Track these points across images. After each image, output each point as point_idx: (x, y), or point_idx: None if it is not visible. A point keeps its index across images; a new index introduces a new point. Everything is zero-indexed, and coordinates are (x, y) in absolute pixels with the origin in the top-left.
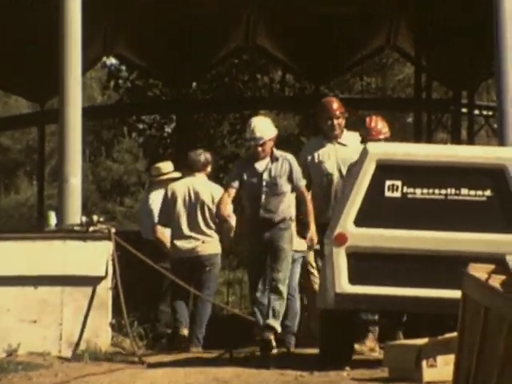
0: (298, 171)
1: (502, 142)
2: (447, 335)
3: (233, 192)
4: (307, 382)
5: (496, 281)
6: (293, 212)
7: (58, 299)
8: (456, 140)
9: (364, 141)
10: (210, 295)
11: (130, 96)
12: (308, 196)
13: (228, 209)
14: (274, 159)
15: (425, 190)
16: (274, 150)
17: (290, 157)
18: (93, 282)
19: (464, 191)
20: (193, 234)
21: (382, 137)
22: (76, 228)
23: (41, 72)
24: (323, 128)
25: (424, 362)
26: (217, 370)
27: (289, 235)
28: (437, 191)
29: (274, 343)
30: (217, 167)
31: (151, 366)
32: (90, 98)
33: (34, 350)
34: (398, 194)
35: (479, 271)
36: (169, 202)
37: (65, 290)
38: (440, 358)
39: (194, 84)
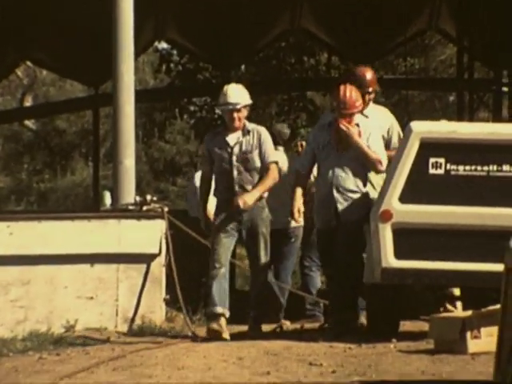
0: (269, 145)
1: None
2: (490, 307)
3: (210, 173)
4: (355, 354)
5: None
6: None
7: (114, 276)
8: (497, 118)
9: (335, 113)
10: (291, 268)
11: (181, 79)
12: (274, 174)
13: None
14: (245, 132)
15: (467, 167)
16: (247, 122)
17: (263, 130)
18: (147, 259)
19: (506, 168)
20: (278, 206)
21: (355, 110)
22: (130, 207)
23: (95, 56)
24: None
25: (468, 334)
26: (268, 343)
27: (265, 215)
28: (479, 168)
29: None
30: None
31: (204, 340)
32: (142, 81)
33: (91, 326)
34: (441, 171)
35: None
36: None
37: (120, 267)
38: (484, 330)
39: (243, 67)
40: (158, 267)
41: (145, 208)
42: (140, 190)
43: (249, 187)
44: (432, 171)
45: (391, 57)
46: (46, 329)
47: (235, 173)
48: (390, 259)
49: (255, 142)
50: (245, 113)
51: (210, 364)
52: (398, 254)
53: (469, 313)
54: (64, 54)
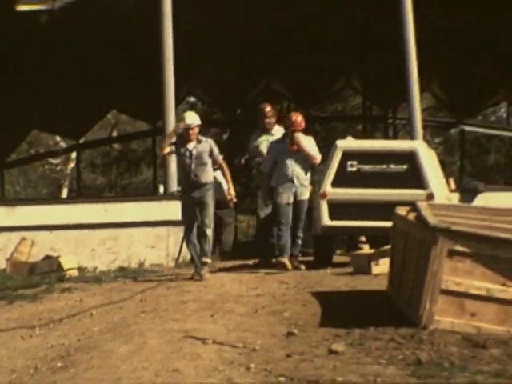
0: (215, 149)
1: (412, 138)
2: (385, 247)
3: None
4: (308, 276)
5: (411, 216)
6: (212, 178)
7: (166, 234)
8: (386, 137)
9: (287, 129)
10: None
11: (202, 119)
12: (226, 167)
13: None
14: (199, 141)
15: (370, 166)
16: (199, 135)
17: (211, 140)
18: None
19: (392, 166)
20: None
21: (300, 128)
22: (174, 194)
23: (152, 105)
24: (260, 124)
25: (372, 263)
26: (257, 271)
27: (211, 193)
28: (376, 166)
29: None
30: None
31: (221, 270)
32: (178, 120)
33: (153, 263)
34: (355, 169)
35: (402, 210)
36: None
37: (169, 228)
38: (382, 260)
39: (239, 110)
40: None
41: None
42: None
43: (201, 175)
44: (349, 169)
45: (325, 103)
46: (127, 265)
47: (193, 166)
48: (326, 220)
49: (206, 147)
50: (197, 130)
51: (223, 283)
52: (331, 217)
53: (372, 250)
54: (134, 105)
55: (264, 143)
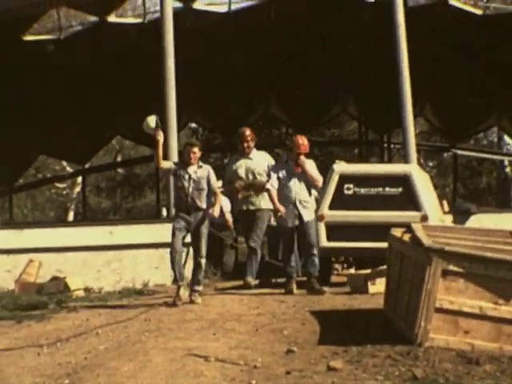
0: (213, 177)
1: (406, 162)
2: (381, 267)
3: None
4: (306, 295)
5: (406, 237)
6: (207, 203)
7: (169, 255)
8: (381, 161)
9: (292, 151)
10: None
11: (205, 143)
12: (219, 195)
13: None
14: (199, 167)
15: (366, 189)
16: (200, 161)
17: (209, 167)
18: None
19: (387, 188)
20: None
21: (305, 151)
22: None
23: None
24: (239, 148)
25: (369, 282)
26: (258, 291)
27: (206, 221)
28: (372, 189)
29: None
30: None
31: (222, 290)
32: (181, 146)
33: (157, 283)
34: (351, 192)
35: (397, 231)
36: None
37: None
38: (378, 280)
39: None
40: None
41: None
42: None
43: (197, 200)
44: (346, 192)
45: (322, 128)
46: (132, 285)
47: (190, 190)
48: (324, 242)
49: (205, 173)
50: (198, 154)
51: (224, 303)
52: (328, 239)
53: (369, 270)
54: (137, 131)
55: (242, 167)
